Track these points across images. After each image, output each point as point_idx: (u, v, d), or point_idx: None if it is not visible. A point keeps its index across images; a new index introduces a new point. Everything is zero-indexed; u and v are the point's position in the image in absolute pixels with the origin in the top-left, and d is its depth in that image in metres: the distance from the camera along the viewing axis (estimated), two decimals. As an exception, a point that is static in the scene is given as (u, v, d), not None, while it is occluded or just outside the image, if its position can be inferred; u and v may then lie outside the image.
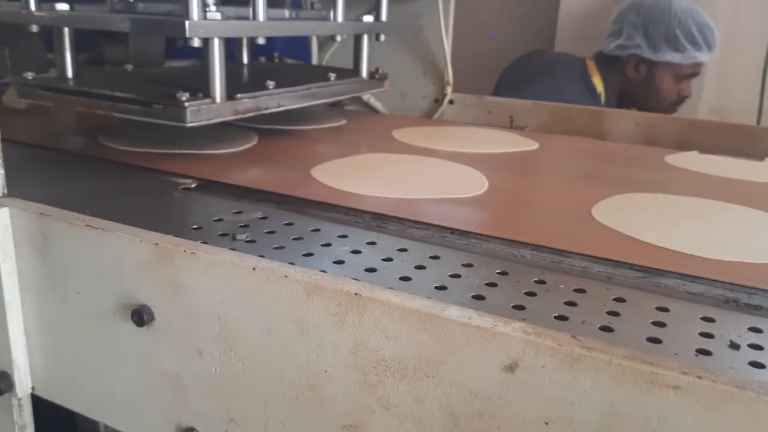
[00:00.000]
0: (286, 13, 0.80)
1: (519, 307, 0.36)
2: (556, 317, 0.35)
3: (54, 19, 0.65)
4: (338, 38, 0.81)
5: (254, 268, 0.34)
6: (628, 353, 0.26)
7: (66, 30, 0.68)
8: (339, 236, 0.46)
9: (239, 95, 0.62)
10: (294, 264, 0.36)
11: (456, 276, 0.39)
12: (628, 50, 1.36)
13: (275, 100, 0.67)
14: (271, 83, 0.66)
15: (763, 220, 0.54)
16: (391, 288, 0.32)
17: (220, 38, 0.58)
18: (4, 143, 0.43)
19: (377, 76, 0.85)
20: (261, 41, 0.70)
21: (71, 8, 0.66)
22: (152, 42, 0.86)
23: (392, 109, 1.05)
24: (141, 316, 0.37)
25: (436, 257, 0.42)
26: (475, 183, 0.60)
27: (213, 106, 0.59)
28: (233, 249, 0.39)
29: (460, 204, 0.54)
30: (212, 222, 0.47)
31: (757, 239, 0.49)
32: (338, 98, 0.85)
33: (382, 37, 0.83)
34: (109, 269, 0.39)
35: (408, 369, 0.31)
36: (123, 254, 0.38)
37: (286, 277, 0.33)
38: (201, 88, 0.59)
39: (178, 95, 0.57)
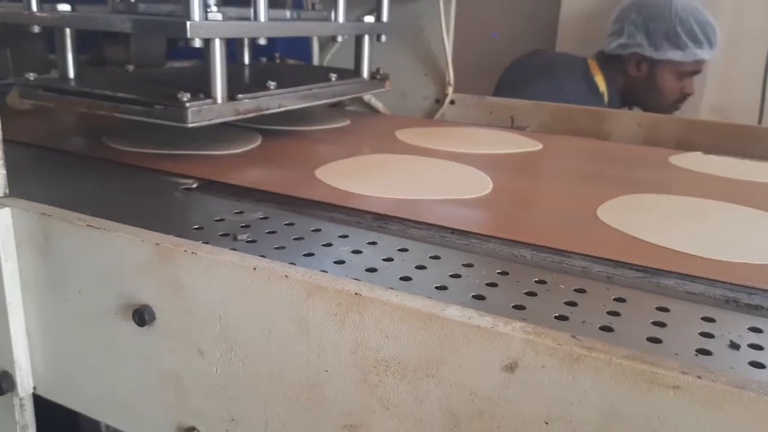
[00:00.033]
0: (287, 13, 0.80)
1: (519, 307, 0.36)
2: (556, 317, 0.35)
3: (55, 19, 0.65)
4: (339, 39, 0.81)
5: (255, 268, 0.34)
6: (627, 353, 0.26)
7: (67, 31, 0.68)
8: (340, 236, 0.46)
9: (240, 96, 0.62)
10: (295, 264, 0.36)
11: (456, 276, 0.39)
12: (629, 49, 1.36)
13: (276, 100, 0.67)
14: (272, 84, 0.66)
15: (766, 220, 0.53)
16: (391, 288, 0.32)
17: (221, 39, 0.58)
18: (7, 144, 0.43)
19: (378, 77, 0.85)
20: (262, 42, 0.70)
21: (73, 9, 0.66)
22: (154, 43, 0.87)
23: (393, 109, 1.05)
24: (142, 316, 0.37)
25: (436, 257, 0.42)
26: (479, 184, 0.59)
27: (214, 107, 0.59)
28: (234, 249, 0.39)
29: (466, 205, 0.54)
30: (213, 222, 0.47)
31: (761, 239, 0.49)
32: (339, 99, 0.85)
33: (383, 38, 0.83)
34: (110, 269, 0.39)
35: (408, 369, 0.31)
36: (124, 254, 0.38)
37: (286, 277, 0.33)
38: (202, 88, 0.59)
39: (179, 96, 0.57)
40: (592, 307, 0.36)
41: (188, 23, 0.55)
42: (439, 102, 1.04)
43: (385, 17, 0.82)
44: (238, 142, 0.70)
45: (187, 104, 0.56)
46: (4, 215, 0.41)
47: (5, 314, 0.42)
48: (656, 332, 0.34)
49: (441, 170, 0.65)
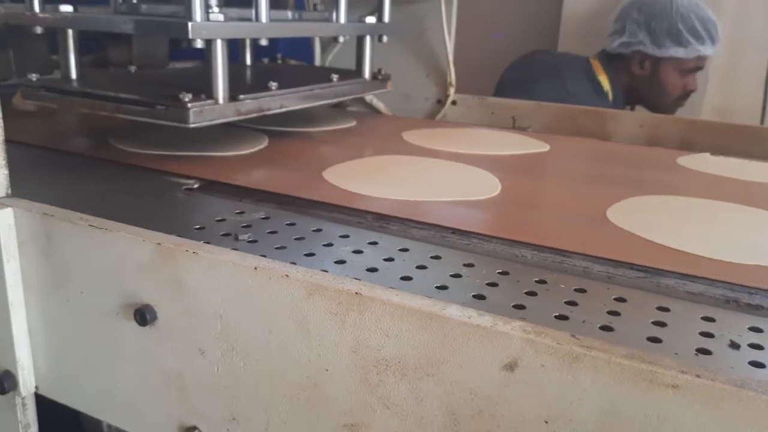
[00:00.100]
0: (289, 14, 0.80)
1: (519, 307, 0.36)
2: (556, 317, 0.35)
3: (58, 20, 0.65)
4: (341, 39, 0.81)
5: (256, 268, 0.34)
6: (627, 352, 0.26)
7: (70, 32, 0.68)
8: (341, 236, 0.46)
9: (242, 96, 0.62)
10: (296, 264, 0.36)
11: (457, 276, 0.40)
12: (631, 47, 1.36)
13: (278, 101, 0.67)
14: (273, 84, 0.66)
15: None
16: (392, 287, 0.32)
17: (222, 39, 0.58)
18: (11, 144, 0.44)
19: (380, 77, 0.85)
20: (264, 42, 0.70)
21: (75, 10, 0.66)
22: (156, 43, 0.87)
23: (395, 110, 1.05)
24: (143, 315, 0.37)
25: (437, 257, 0.43)
26: (488, 185, 0.59)
27: (216, 107, 0.59)
28: (236, 249, 0.40)
29: (474, 206, 0.54)
30: (215, 222, 0.47)
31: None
32: (341, 99, 0.85)
33: (385, 39, 0.84)
34: (112, 269, 0.39)
35: (408, 368, 0.31)
36: (126, 254, 0.38)
37: (287, 276, 0.33)
38: (204, 89, 0.59)
39: (181, 96, 0.57)
40: (593, 306, 0.36)
41: (190, 24, 0.55)
42: (440, 103, 1.04)
43: (386, 18, 0.83)
44: (246, 144, 0.70)
45: (189, 105, 0.57)
46: (7, 215, 0.42)
47: (8, 314, 0.43)
48: (656, 332, 0.34)
49: (450, 172, 0.64)
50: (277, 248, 0.43)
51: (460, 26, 1.03)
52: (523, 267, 0.42)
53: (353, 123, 0.87)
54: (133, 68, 0.80)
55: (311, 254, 0.42)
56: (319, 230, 0.47)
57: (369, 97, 1.01)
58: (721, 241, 0.48)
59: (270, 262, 0.34)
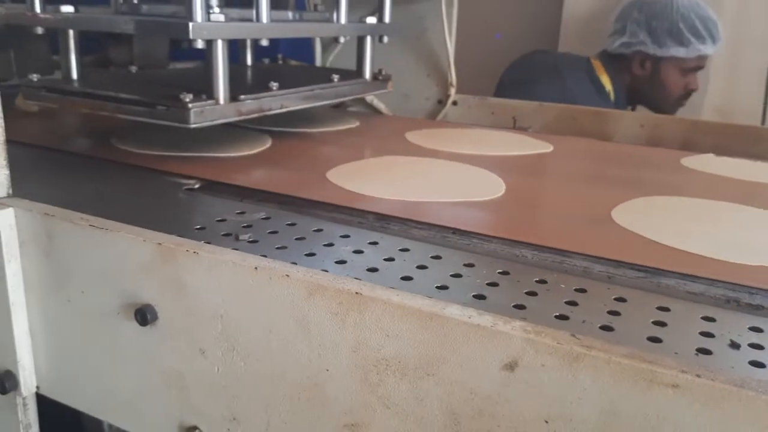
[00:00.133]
0: (290, 14, 0.80)
1: (520, 307, 0.36)
2: (556, 316, 0.35)
3: (59, 21, 0.66)
4: (341, 40, 0.81)
5: (256, 268, 0.34)
6: (627, 352, 0.26)
7: (71, 32, 0.68)
8: (341, 236, 0.46)
9: (243, 96, 0.62)
10: (296, 264, 0.36)
11: (457, 276, 0.40)
12: (632, 47, 1.36)
13: (279, 101, 0.67)
14: (274, 84, 0.66)
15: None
16: (392, 287, 0.32)
17: (223, 40, 0.58)
18: (13, 145, 0.44)
19: (380, 78, 0.85)
20: (264, 43, 0.70)
21: (76, 10, 0.66)
22: (156, 44, 0.87)
23: (396, 110, 1.05)
24: (144, 315, 0.38)
25: (437, 257, 0.43)
26: (493, 186, 0.59)
27: (216, 108, 0.59)
28: (236, 249, 0.40)
29: (479, 207, 0.54)
30: (216, 222, 0.47)
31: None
32: (342, 99, 0.85)
33: (386, 39, 0.84)
34: (113, 269, 0.39)
35: (409, 368, 0.31)
36: (126, 254, 0.38)
37: (287, 276, 0.33)
38: (205, 89, 0.59)
39: (181, 96, 0.57)
40: (593, 306, 0.36)
41: (190, 24, 0.55)
42: (441, 103, 1.05)
43: (387, 18, 0.83)
44: (249, 144, 0.70)
45: (190, 105, 0.57)
46: (8, 215, 0.42)
47: (8, 314, 0.43)
48: (657, 332, 0.34)
49: (454, 172, 0.64)
50: (277, 248, 0.43)
51: (461, 26, 1.03)
52: (524, 267, 0.42)
53: (356, 123, 0.87)
54: (133, 68, 0.80)
55: (312, 254, 0.42)
56: (319, 230, 0.47)
57: (370, 98, 1.01)
58: (724, 241, 0.48)
59: (270, 262, 0.34)
